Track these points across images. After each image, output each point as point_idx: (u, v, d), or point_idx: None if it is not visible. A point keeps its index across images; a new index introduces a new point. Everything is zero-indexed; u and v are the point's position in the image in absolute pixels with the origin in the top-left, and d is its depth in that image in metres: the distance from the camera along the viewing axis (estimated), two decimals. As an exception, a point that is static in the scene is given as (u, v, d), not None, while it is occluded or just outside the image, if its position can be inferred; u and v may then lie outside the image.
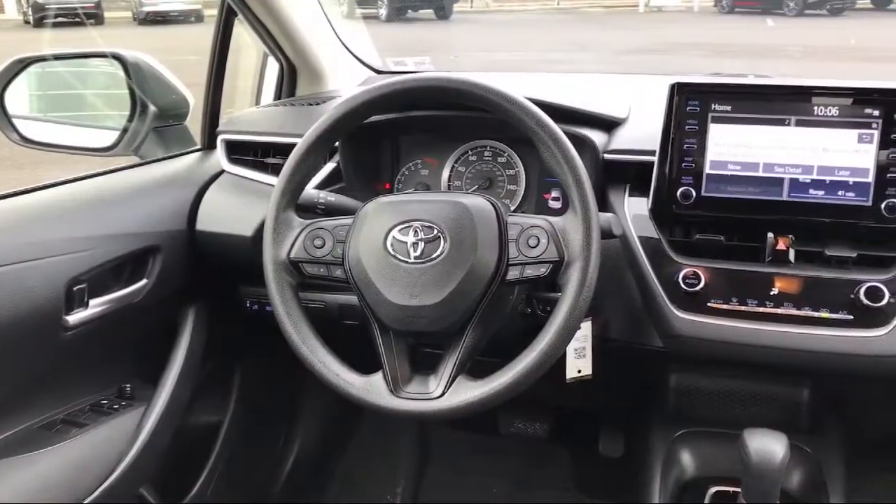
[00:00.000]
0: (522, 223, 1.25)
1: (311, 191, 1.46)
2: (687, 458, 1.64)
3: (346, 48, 2.11)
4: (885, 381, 1.41)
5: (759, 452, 1.32)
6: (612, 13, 18.74)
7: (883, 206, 1.35)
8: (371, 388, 1.24)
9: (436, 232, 1.23)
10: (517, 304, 1.42)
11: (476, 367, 1.24)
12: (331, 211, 1.44)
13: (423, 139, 1.72)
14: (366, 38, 2.22)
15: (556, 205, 1.62)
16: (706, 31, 14.18)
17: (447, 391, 1.21)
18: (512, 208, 1.64)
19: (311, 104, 1.86)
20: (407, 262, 1.23)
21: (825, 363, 1.37)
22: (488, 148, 1.67)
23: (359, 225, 1.28)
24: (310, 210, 1.44)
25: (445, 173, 1.69)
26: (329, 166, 1.66)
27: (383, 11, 15.74)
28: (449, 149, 1.69)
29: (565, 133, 1.25)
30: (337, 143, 1.62)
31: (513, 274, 1.23)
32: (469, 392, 1.20)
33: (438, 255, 1.22)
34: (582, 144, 1.49)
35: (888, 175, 1.34)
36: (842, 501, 1.55)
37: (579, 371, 1.49)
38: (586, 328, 1.48)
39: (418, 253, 1.23)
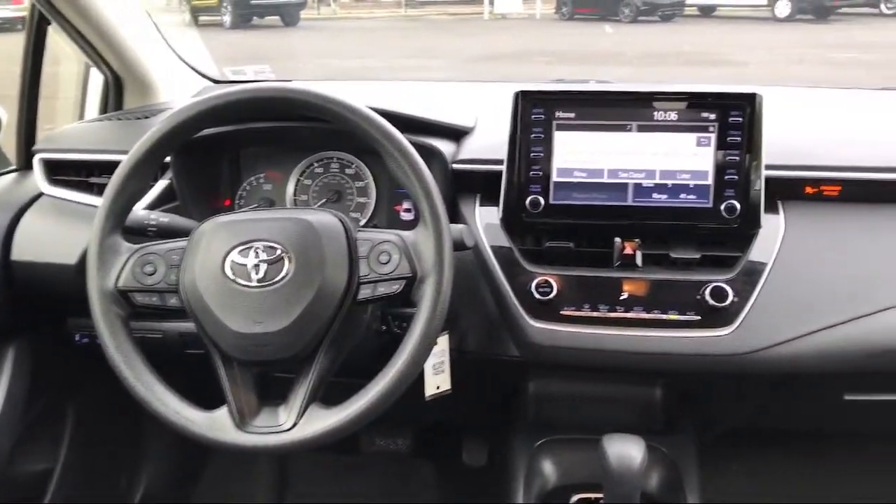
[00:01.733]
0: (372, 239, 1.19)
1: (140, 212, 1.34)
2: (549, 467, 1.63)
3: (179, 57, 1.98)
4: (732, 378, 1.45)
5: (618, 458, 1.33)
6: (458, 20, 19.07)
7: (722, 207, 1.38)
8: (215, 424, 1.15)
9: (279, 252, 1.15)
10: (371, 323, 1.36)
11: (333, 389, 1.18)
12: (164, 233, 1.33)
13: (265, 152, 1.63)
14: (201, 46, 2.10)
15: (409, 216, 1.58)
16: (549, 37, 14.67)
17: (299, 421, 1.13)
18: (362, 222, 1.58)
19: (140, 118, 1.73)
20: (248, 287, 1.14)
21: (676, 364, 1.39)
22: (335, 159, 1.61)
23: (194, 247, 1.19)
24: (140, 233, 1.32)
25: (290, 187, 1.61)
26: (161, 184, 1.55)
27: (227, 18, 15.31)
28: (293, 161, 1.61)
29: (412, 143, 1.21)
30: (169, 159, 1.51)
31: (364, 293, 1.17)
32: (322, 421, 1.13)
33: (283, 278, 1.14)
34: (430, 155, 1.45)
35: (726, 177, 1.38)
36: (696, 499, 1.59)
37: (438, 387, 1.46)
38: (443, 343, 1.44)
39: (261, 276, 1.15)
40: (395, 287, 1.17)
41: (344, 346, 1.21)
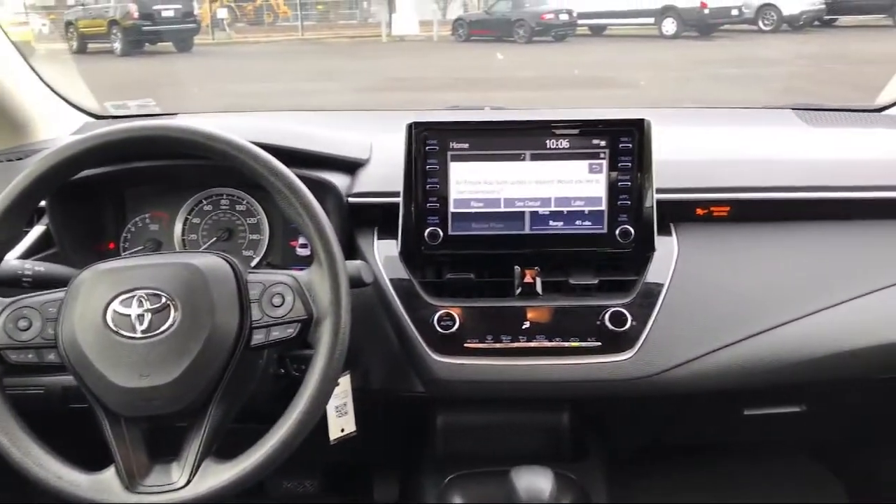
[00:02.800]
0: (264, 281, 1.15)
1: (12, 262, 1.25)
2: (460, 502, 1.60)
3: (54, 91, 1.87)
4: (635, 400, 1.45)
5: (527, 491, 1.32)
6: (356, 44, 19.07)
7: (617, 232, 1.39)
8: (101, 486, 1.08)
9: (164, 300, 1.09)
10: (268, 367, 1.31)
11: (232, 437, 1.12)
12: (40, 283, 1.24)
13: (150, 191, 1.56)
14: (78, 79, 1.99)
15: (305, 251, 1.54)
16: (446, 60, 14.80)
17: (193, 478, 1.08)
18: (255, 260, 1.53)
19: (11, 160, 1.63)
20: (133, 338, 1.08)
21: (580, 390, 1.39)
22: (225, 196, 1.55)
23: (72, 298, 1.11)
24: (13, 285, 1.24)
25: (178, 227, 1.54)
26: (37, 229, 1.46)
27: (118, 45, 14.85)
28: (181, 199, 1.55)
29: (303, 178, 1.17)
30: (44, 203, 1.42)
31: (258, 338, 1.13)
32: (218, 476, 1.08)
33: (169, 327, 1.09)
34: (323, 189, 1.42)
35: (619, 202, 1.39)
36: None
37: (343, 430, 1.41)
38: (345, 383, 1.40)
39: (145, 326, 1.08)
40: (290, 330, 1.13)
41: (239, 394, 1.16)
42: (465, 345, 1.37)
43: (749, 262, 1.45)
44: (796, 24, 15.74)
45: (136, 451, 1.10)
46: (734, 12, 16.10)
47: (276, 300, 1.14)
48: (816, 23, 16.10)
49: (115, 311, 1.09)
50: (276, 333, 1.13)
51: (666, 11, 16.22)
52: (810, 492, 1.98)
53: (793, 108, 1.93)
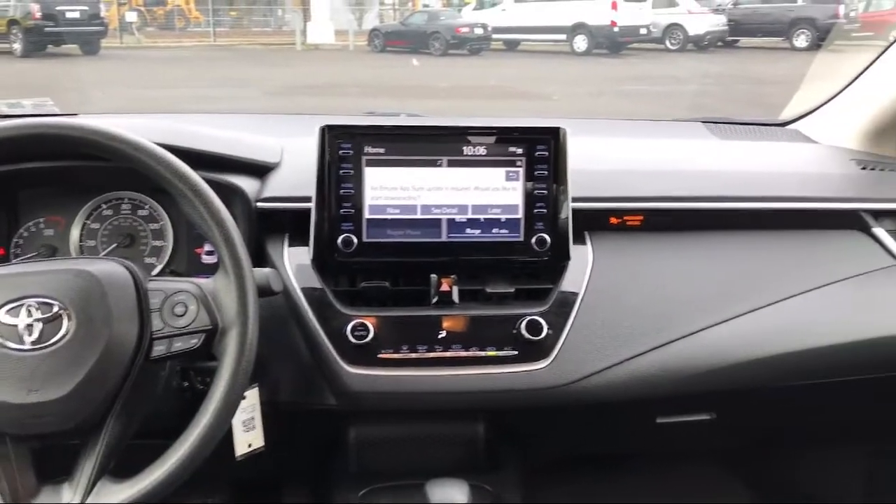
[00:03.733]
0: (166, 289, 1.09)
1: None
2: None
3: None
4: (550, 410, 1.44)
5: None
6: (270, 51, 18.81)
7: (533, 240, 1.39)
8: None
9: (56, 309, 1.02)
10: (171, 380, 1.24)
11: (132, 454, 1.06)
12: None
13: (45, 193, 1.46)
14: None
15: (212, 259, 1.47)
16: (362, 68, 14.74)
17: (86, 500, 1.01)
18: (159, 268, 1.46)
19: None
20: (20, 350, 1.00)
21: (496, 400, 1.37)
22: (126, 200, 1.47)
23: None
24: None
25: (75, 233, 1.45)
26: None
27: (18, 46, 14.22)
28: (78, 203, 1.46)
29: (210, 182, 1.12)
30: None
31: (158, 350, 1.07)
32: (114, 496, 1.02)
33: (61, 338, 1.01)
34: (230, 193, 1.36)
35: (535, 210, 1.38)
36: None
37: (250, 445, 1.35)
38: (252, 396, 1.34)
39: (35, 337, 1.01)
40: (194, 341, 1.08)
41: (138, 409, 1.10)
42: (380, 355, 1.33)
43: (662, 270, 1.47)
44: (701, 44, 16.35)
45: (22, 471, 1.02)
46: (643, 31, 16.61)
47: (179, 309, 1.08)
48: (720, 43, 16.76)
49: (1, 322, 1.01)
50: (179, 344, 1.08)
51: (577, 29, 16.59)
52: (720, 499, 2.02)
53: (702, 121, 1.97)
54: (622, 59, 15.96)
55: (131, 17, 20.58)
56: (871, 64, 1.73)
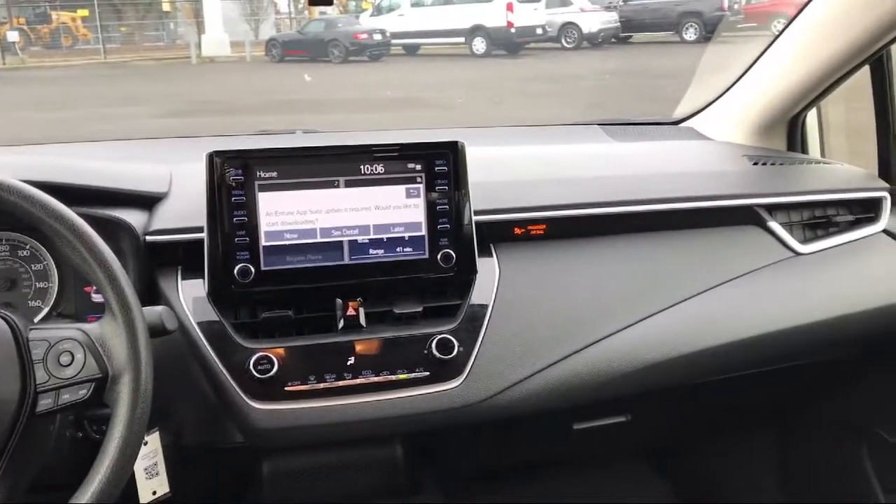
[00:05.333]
0: (49, 337, 1.02)
1: None
2: None
3: None
4: (468, 427, 1.42)
5: None
6: (164, 66, 18.28)
7: (438, 256, 1.36)
8: None
9: None
10: (63, 431, 1.16)
11: None
12: None
13: None
14: None
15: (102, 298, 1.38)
16: (258, 81, 14.49)
17: None
18: (45, 311, 1.36)
19: None
20: None
21: (412, 424, 1.34)
22: (3, 241, 1.37)
23: None
24: None
25: None
26: None
27: None
28: None
29: (90, 218, 1.05)
30: None
31: (45, 403, 0.99)
32: None
33: None
34: (115, 229, 1.28)
35: (438, 227, 1.36)
36: None
37: (155, 492, 1.28)
38: (154, 441, 1.27)
39: None
40: (83, 392, 1.01)
41: (29, 465, 1.02)
42: (286, 388, 1.28)
43: (569, 278, 1.47)
44: (595, 42, 16.73)
45: None
46: (539, 31, 16.88)
47: (65, 359, 1.01)
48: (613, 40, 17.18)
49: None
50: (67, 396, 1.00)
51: (475, 31, 16.73)
52: (642, 496, 2.04)
53: (599, 124, 1.99)
54: (521, 60, 16.17)
55: (13, 36, 19.63)
56: (756, 60, 1.77)
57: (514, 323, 1.39)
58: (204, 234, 1.29)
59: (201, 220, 1.30)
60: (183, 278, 1.34)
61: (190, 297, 1.31)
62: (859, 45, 1.55)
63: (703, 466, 2.12)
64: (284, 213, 1.31)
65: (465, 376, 1.33)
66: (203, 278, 1.31)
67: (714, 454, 2.08)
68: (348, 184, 1.33)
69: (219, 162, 1.29)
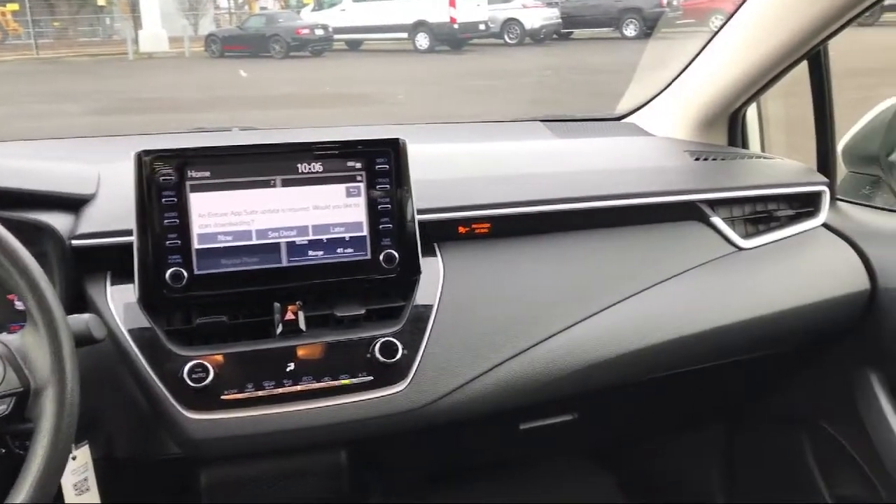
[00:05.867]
0: None
1: None
2: None
3: None
4: (413, 431, 1.39)
5: None
6: (99, 62, 17.82)
7: (381, 257, 1.32)
8: None
9: None
10: None
11: None
12: None
13: None
14: None
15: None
16: (198, 77, 14.22)
17: None
18: None
19: None
20: None
21: (355, 431, 1.30)
22: None
23: None
24: None
25: None
26: None
27: None
28: None
29: (10, 222, 1.00)
30: None
31: None
32: None
33: None
34: (38, 233, 1.22)
35: (380, 226, 1.32)
36: None
37: (84, 509, 1.22)
38: (83, 455, 1.21)
39: None
40: (2, 407, 0.95)
41: None
42: (223, 397, 1.22)
43: (514, 276, 1.44)
44: (538, 38, 16.86)
45: None
46: (482, 27, 16.94)
47: None
48: (555, 36, 17.33)
49: None
50: None
51: (418, 27, 16.71)
52: (589, 493, 2.04)
53: (542, 121, 1.97)
54: (464, 55, 16.20)
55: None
56: (696, 55, 1.77)
57: (460, 324, 1.36)
58: (133, 238, 1.24)
59: (131, 222, 1.24)
60: (112, 284, 1.27)
61: (120, 303, 1.25)
62: (797, 41, 1.56)
63: (650, 463, 2.12)
64: (218, 215, 1.26)
65: (409, 380, 1.30)
66: (133, 284, 1.25)
67: (660, 450, 2.09)
68: (285, 183, 1.28)
69: (148, 161, 1.23)
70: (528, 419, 1.54)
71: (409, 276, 1.35)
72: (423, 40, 16.71)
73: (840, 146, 1.79)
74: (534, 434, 1.58)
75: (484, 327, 1.37)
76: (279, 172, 1.28)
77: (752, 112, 1.89)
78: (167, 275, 1.23)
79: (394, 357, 1.28)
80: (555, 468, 2.03)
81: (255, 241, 1.28)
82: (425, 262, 1.36)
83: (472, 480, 1.95)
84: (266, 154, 1.29)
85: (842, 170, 1.82)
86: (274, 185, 1.28)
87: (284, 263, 1.29)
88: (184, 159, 1.24)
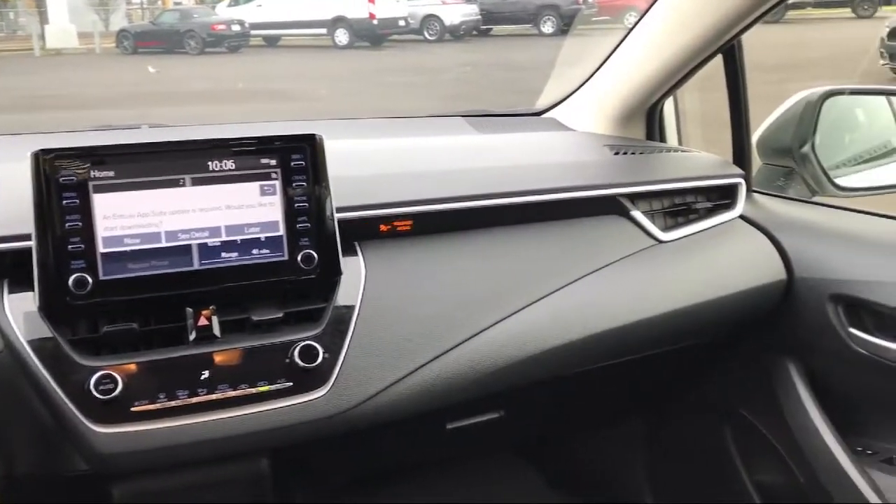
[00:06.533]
0: None
1: None
2: None
3: None
4: (340, 437, 1.35)
5: None
6: (2, 59, 17.05)
7: (299, 258, 1.27)
8: None
9: None
10: None
11: None
12: None
13: None
14: None
15: None
16: (108, 74, 13.76)
17: None
18: None
19: None
20: None
21: (276, 439, 1.25)
22: None
23: None
24: None
25: None
26: None
27: None
28: None
29: None
30: None
31: None
32: None
33: None
34: None
35: (298, 226, 1.27)
36: None
37: (-17, 533, 1.14)
38: (-20, 475, 1.13)
39: None
40: None
41: None
42: (133, 409, 1.16)
43: (437, 274, 1.42)
44: (457, 34, 16.91)
45: None
46: (401, 23, 16.89)
47: None
48: (475, 32, 17.42)
49: None
50: None
51: (337, 22, 16.55)
52: (516, 489, 2.03)
53: (463, 116, 1.95)
54: (384, 52, 16.13)
55: None
56: (613, 50, 1.78)
57: (383, 324, 1.32)
58: (32, 243, 1.16)
59: (29, 227, 1.16)
60: (10, 292, 1.19)
61: (19, 312, 1.17)
62: (710, 36, 1.58)
63: (576, 458, 2.13)
64: (124, 217, 1.19)
65: (331, 384, 1.25)
66: (34, 292, 1.17)
67: (586, 445, 2.10)
68: (195, 182, 1.22)
69: (47, 161, 1.15)
70: (455, 418, 1.52)
71: (329, 276, 1.30)
72: (342, 36, 16.55)
73: (754, 139, 1.83)
74: (461, 433, 1.56)
75: (408, 327, 1.34)
76: (189, 171, 1.22)
77: (668, 106, 1.91)
78: (70, 281, 1.16)
79: (314, 361, 1.23)
80: (483, 466, 2.02)
81: (164, 244, 1.21)
82: (346, 262, 1.32)
83: (398, 481, 1.92)
84: (174, 152, 1.22)
85: (757, 162, 1.86)
86: (183, 185, 1.22)
87: (196, 266, 1.23)
88: (86, 158, 1.17)
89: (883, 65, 8.26)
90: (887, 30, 8.44)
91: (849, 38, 12.16)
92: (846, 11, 16.42)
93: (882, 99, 2.01)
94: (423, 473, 1.94)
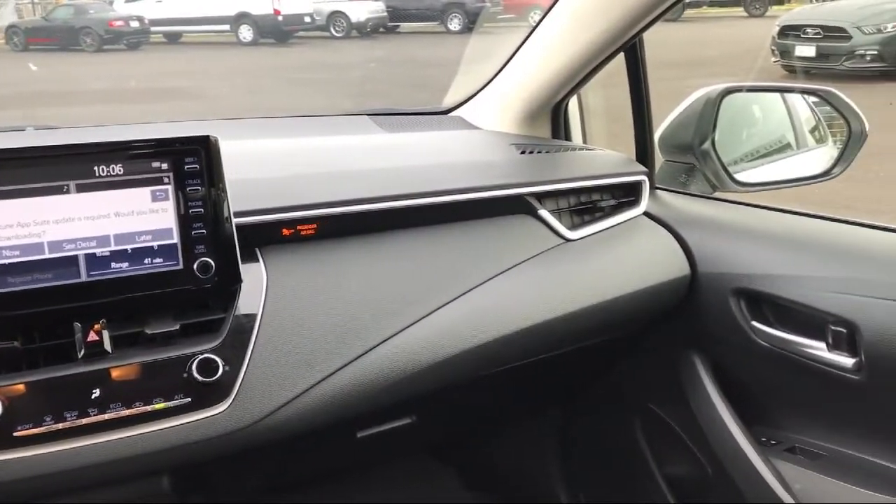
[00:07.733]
0: None
1: None
2: None
3: None
4: (243, 452, 1.29)
5: None
6: None
7: (195, 266, 1.21)
8: None
9: None
10: None
11: None
12: None
13: None
14: None
15: None
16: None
17: None
18: None
19: None
20: None
21: (175, 458, 1.19)
22: None
23: None
24: None
25: None
26: None
27: None
28: None
29: None
30: None
31: None
32: None
33: None
34: None
35: (193, 233, 1.21)
36: None
37: None
38: None
39: None
40: None
41: None
42: (16, 434, 1.08)
43: (344, 279, 1.37)
44: (364, 31, 16.78)
45: None
46: (307, 19, 16.63)
47: None
48: (382, 29, 17.32)
49: None
50: None
51: (241, 18, 16.16)
52: (431, 492, 2.01)
53: (369, 115, 1.91)
54: (290, 48, 15.85)
55: None
56: (517, 49, 1.77)
57: (287, 334, 1.27)
58: None
59: None
60: None
61: None
62: (613, 33, 1.58)
63: (491, 456, 2.12)
64: (2, 227, 1.11)
65: (232, 398, 1.20)
66: None
67: (501, 443, 2.09)
68: (80, 188, 1.15)
69: None
70: (365, 427, 1.49)
71: (228, 285, 1.24)
72: (246, 32, 16.17)
73: (656, 136, 1.85)
74: (372, 440, 1.52)
75: (313, 336, 1.30)
76: (73, 177, 1.14)
77: (573, 104, 1.92)
78: None
79: (214, 375, 1.17)
80: (398, 469, 1.99)
81: (47, 255, 1.13)
82: (246, 269, 1.26)
83: (311, 487, 1.87)
84: (56, 157, 1.14)
85: (659, 159, 1.88)
86: (67, 192, 1.14)
87: (83, 278, 1.15)
88: None
89: (775, 62, 8.61)
90: (778, 28, 8.81)
91: (743, 37, 12.61)
92: (739, 10, 17.02)
93: (777, 95, 2.07)
94: (337, 478, 1.90)
